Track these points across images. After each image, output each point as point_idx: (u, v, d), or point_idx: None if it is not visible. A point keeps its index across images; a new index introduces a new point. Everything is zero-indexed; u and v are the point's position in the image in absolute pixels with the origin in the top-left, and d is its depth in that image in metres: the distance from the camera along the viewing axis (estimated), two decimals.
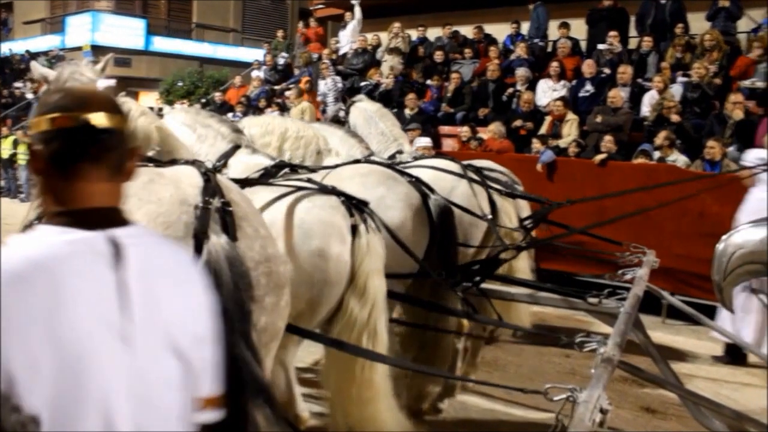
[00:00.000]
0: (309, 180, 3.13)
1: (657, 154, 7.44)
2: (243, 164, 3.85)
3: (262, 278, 2.08)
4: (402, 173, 3.83)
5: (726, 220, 5.39)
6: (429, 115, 9.77)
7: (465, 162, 4.53)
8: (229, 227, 1.99)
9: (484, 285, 4.07)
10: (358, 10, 12.95)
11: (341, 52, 12.96)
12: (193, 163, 2.44)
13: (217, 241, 1.93)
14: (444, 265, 3.73)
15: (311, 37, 14.25)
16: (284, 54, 14.03)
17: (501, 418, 4.31)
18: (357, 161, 4.12)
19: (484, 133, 8.61)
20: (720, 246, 2.95)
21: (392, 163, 4.26)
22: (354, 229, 2.89)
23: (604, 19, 10.19)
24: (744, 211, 5.37)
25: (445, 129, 9.40)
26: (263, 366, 2.01)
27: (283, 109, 11.00)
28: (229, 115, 10.12)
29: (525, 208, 4.96)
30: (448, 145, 8.90)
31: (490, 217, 4.15)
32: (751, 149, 6.04)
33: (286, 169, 3.65)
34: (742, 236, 2.89)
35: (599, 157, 7.50)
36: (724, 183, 5.96)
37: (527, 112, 8.95)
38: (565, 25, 10.60)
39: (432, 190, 3.78)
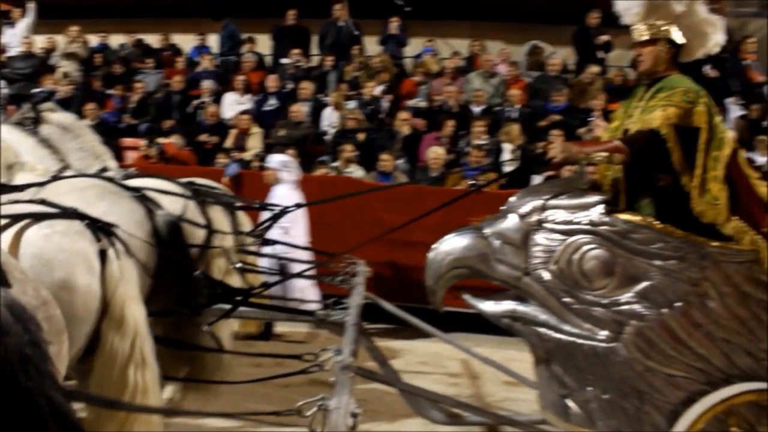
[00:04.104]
0: (44, 201, 2.74)
1: (334, 165, 7.89)
2: None
3: (43, 323, 1.82)
4: (125, 187, 3.53)
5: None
6: (110, 126, 9.20)
7: (184, 180, 4.37)
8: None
9: None
10: (32, 9, 11.72)
11: (9, 54, 11.61)
12: None
13: None
14: (180, 286, 3.53)
15: None
16: None
17: None
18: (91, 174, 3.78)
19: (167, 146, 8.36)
20: (431, 254, 3.28)
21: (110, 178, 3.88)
22: (103, 255, 2.59)
23: (287, 36, 10.59)
24: None
25: (127, 141, 8.94)
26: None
27: None
28: None
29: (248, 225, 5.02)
30: (131, 158, 8.45)
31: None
32: (274, 155, 6.85)
33: None
34: (450, 244, 3.24)
35: None
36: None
37: (213, 125, 8.89)
38: (251, 40, 10.82)
39: (157, 205, 3.54)
